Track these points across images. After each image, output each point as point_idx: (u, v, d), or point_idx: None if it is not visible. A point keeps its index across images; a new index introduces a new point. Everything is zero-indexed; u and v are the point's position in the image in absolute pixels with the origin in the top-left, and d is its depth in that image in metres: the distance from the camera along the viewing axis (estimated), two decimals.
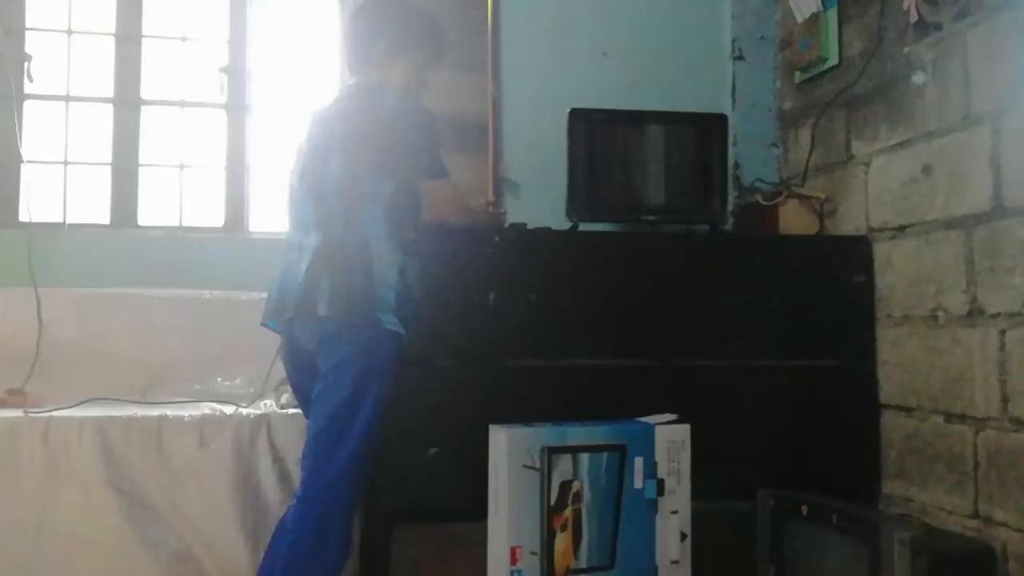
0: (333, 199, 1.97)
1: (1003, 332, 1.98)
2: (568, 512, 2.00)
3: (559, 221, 2.45)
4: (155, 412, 2.26)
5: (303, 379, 2.03)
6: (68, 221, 2.79)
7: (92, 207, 2.84)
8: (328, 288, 1.91)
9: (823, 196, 2.59)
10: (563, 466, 1.99)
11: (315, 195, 2.00)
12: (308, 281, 1.92)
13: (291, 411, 2.29)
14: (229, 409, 2.33)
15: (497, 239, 2.23)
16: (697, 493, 2.10)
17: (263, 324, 2.09)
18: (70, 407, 2.27)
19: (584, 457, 2.01)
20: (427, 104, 2.06)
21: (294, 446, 2.20)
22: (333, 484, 1.88)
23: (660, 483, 2.07)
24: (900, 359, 2.31)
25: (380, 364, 1.92)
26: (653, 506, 2.06)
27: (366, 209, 1.95)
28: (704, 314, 2.31)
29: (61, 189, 2.81)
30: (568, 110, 2.46)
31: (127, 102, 2.87)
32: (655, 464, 2.07)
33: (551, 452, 1.98)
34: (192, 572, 2.18)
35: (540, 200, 2.72)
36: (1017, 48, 1.96)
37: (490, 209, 2.45)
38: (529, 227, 2.35)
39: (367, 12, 2.17)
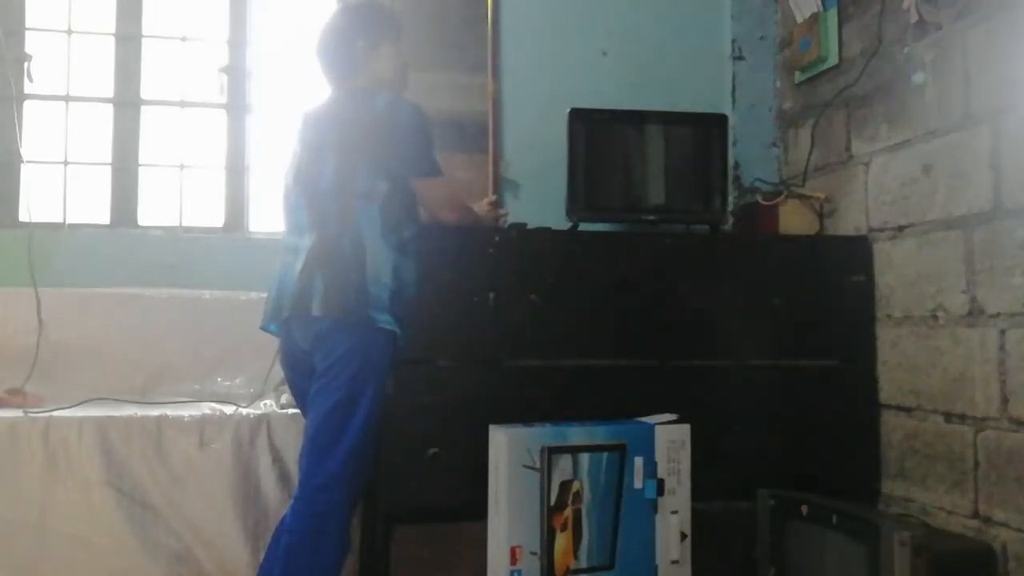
0: (327, 199, 1.97)
1: (1003, 332, 1.98)
2: (568, 512, 2.00)
3: (559, 221, 2.45)
4: (155, 412, 2.26)
5: (300, 380, 2.03)
6: (68, 221, 2.78)
7: (92, 207, 2.84)
8: (322, 287, 1.91)
9: (823, 196, 2.59)
10: (563, 466, 1.99)
11: (309, 196, 2.01)
12: (302, 281, 1.93)
13: (291, 411, 2.29)
14: (229, 409, 2.33)
15: (497, 239, 2.23)
16: (697, 493, 2.10)
17: (262, 328, 2.09)
18: (70, 407, 2.27)
19: (584, 457, 2.01)
20: (427, 104, 2.07)
21: (294, 446, 2.20)
22: (330, 484, 1.88)
23: (660, 483, 2.07)
24: (900, 359, 2.31)
25: (375, 363, 1.92)
26: (653, 506, 2.06)
27: (361, 208, 1.96)
28: (704, 314, 2.31)
29: (61, 189, 2.81)
30: (568, 110, 2.46)
31: (127, 102, 2.87)
32: (655, 464, 2.07)
33: (551, 452, 1.98)
34: (192, 572, 2.18)
35: (540, 200, 2.73)
36: (1017, 48, 1.96)
37: (491, 208, 2.45)
38: (529, 227, 2.35)
39: (337, 23, 2.17)
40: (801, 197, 2.59)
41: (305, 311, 1.92)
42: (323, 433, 1.90)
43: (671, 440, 2.09)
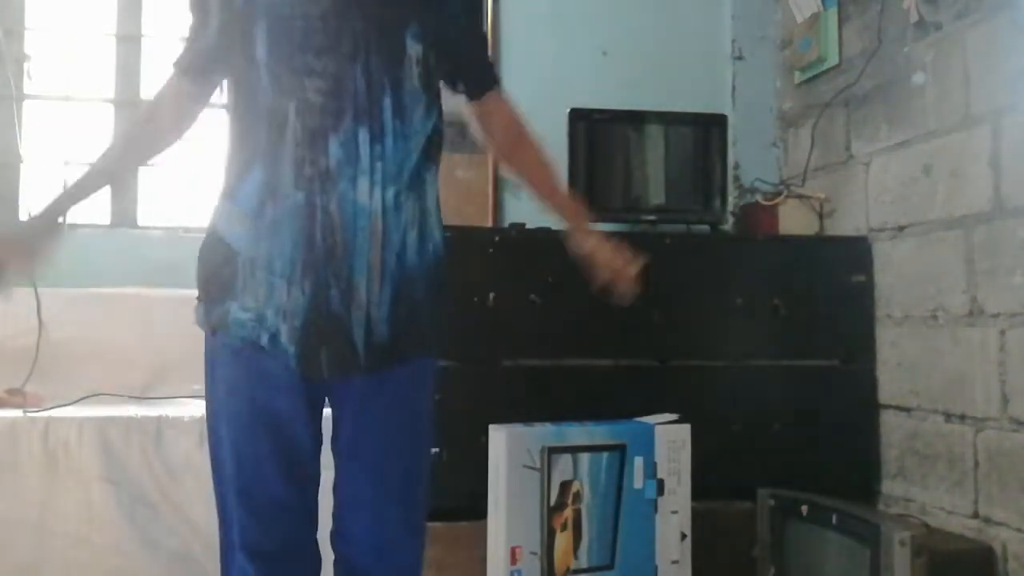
0: None
1: (1003, 332, 1.98)
2: (568, 512, 2.00)
3: (559, 221, 2.44)
4: (155, 412, 2.26)
5: None
6: (68, 221, 2.78)
7: (92, 207, 2.83)
8: None
9: (823, 196, 2.59)
10: (563, 466, 1.99)
11: None
12: None
13: None
14: None
15: (497, 239, 2.23)
16: (697, 493, 2.10)
17: None
18: (70, 404, 2.27)
19: (584, 457, 2.01)
20: None
21: None
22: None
23: (660, 483, 2.07)
24: (900, 359, 2.31)
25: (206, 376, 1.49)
26: (653, 506, 2.06)
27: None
28: (704, 314, 2.31)
29: (61, 189, 2.80)
30: (568, 110, 2.46)
31: (127, 102, 2.87)
32: (655, 464, 2.07)
33: (551, 452, 1.98)
34: (192, 571, 2.17)
35: None
36: (1017, 48, 1.96)
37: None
38: (529, 227, 2.35)
39: None
40: (801, 197, 2.59)
41: None
42: None
43: (671, 440, 2.09)
